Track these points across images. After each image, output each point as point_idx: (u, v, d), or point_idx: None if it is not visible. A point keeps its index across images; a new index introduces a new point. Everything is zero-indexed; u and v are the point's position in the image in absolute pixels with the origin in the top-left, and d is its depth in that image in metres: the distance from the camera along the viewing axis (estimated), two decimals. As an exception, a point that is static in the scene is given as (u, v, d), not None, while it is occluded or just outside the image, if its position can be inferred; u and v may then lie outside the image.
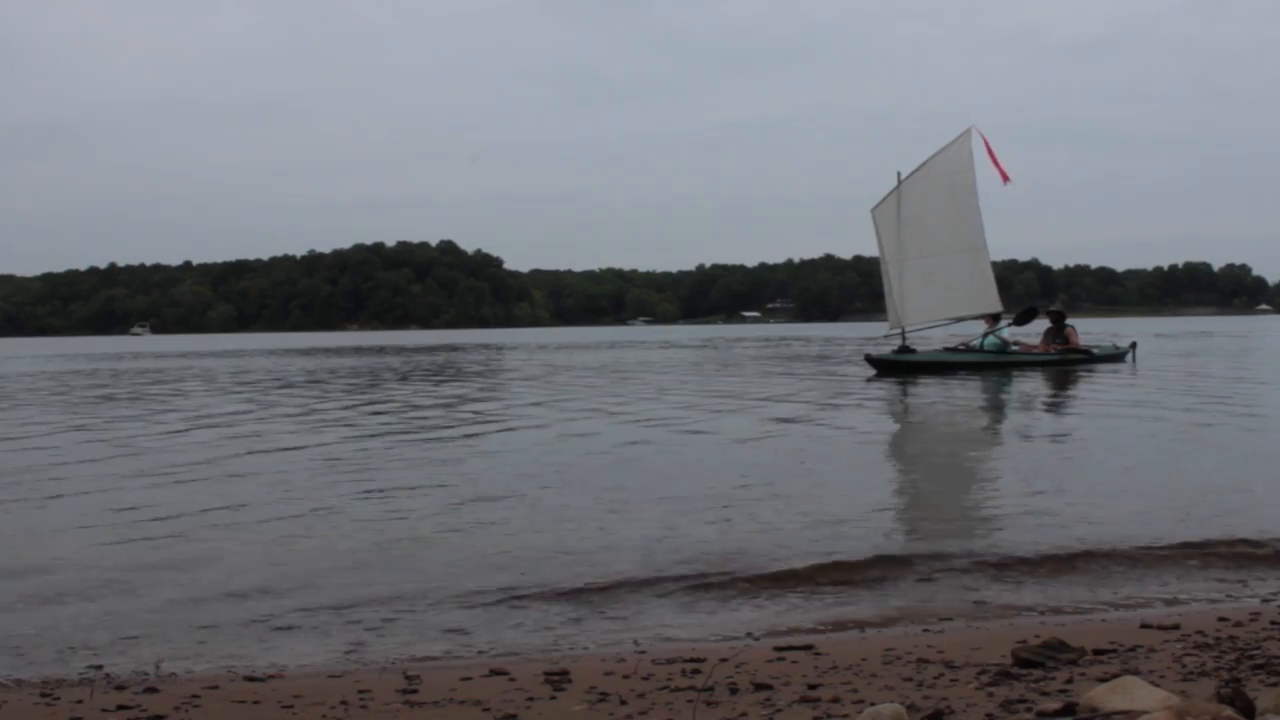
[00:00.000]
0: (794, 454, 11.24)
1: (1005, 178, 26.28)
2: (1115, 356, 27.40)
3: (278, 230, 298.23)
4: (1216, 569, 6.21)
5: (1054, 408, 16.91)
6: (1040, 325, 28.31)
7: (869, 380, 23.08)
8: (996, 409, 17.37)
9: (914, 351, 25.74)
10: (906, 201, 26.45)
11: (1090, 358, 26.53)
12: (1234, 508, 7.84)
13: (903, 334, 26.24)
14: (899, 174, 26.76)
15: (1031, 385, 21.00)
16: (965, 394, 19.63)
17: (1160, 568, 6.25)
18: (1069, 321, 27.40)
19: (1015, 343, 26.48)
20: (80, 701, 4.09)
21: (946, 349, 26.59)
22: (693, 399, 18.88)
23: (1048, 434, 13.08)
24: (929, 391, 20.08)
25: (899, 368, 24.83)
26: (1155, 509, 7.84)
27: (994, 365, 25.14)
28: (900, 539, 7.09)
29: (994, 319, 26.12)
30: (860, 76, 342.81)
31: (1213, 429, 12.68)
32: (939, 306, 26.41)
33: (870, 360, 25.54)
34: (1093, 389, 19.64)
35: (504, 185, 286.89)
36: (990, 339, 25.81)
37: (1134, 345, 28.46)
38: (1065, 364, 25.56)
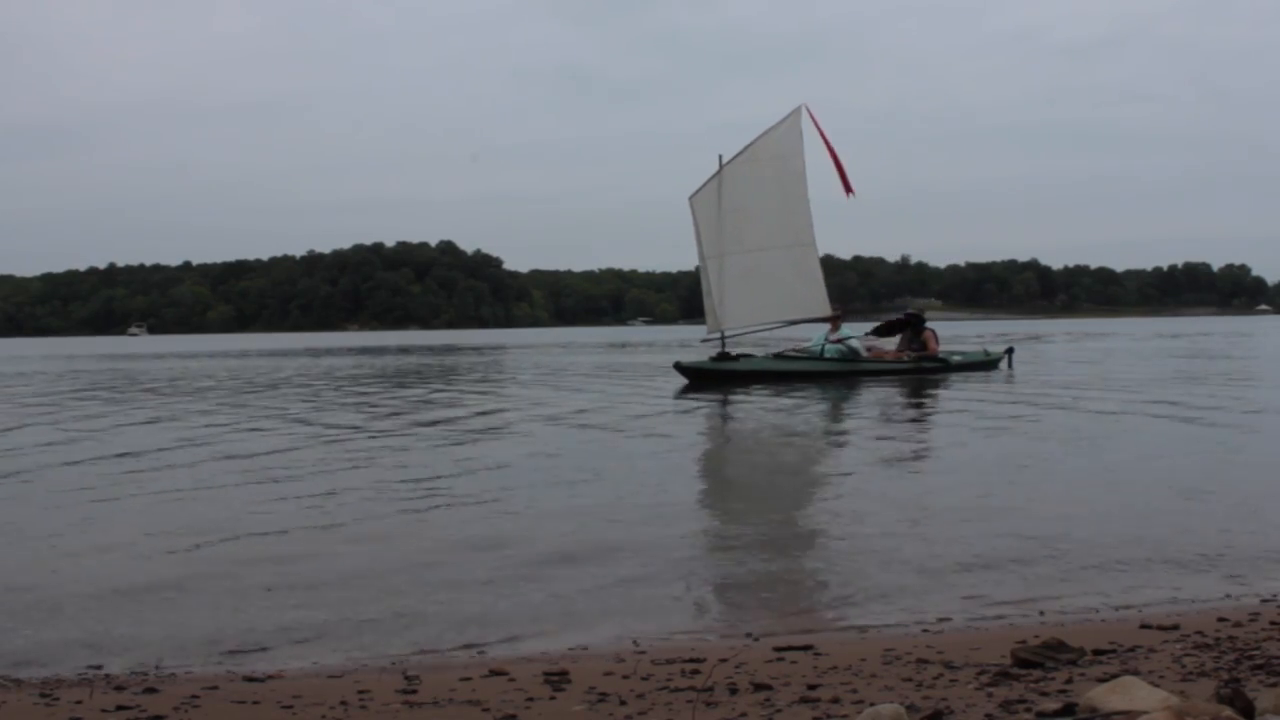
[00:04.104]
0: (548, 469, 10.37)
1: (848, 189, 23.15)
2: (985, 364, 25.10)
3: (277, 230, 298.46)
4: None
5: (877, 422, 14.95)
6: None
7: (681, 392, 20.18)
8: (821, 425, 15.18)
9: (735, 359, 22.75)
10: (728, 190, 23.32)
11: (946, 366, 24.13)
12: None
13: (722, 339, 23.25)
14: (720, 157, 23.58)
15: (875, 397, 18.71)
16: (790, 408, 17.08)
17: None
18: (929, 325, 24.91)
19: (869, 348, 24.26)
20: (80, 702, 4.09)
21: (777, 355, 23.89)
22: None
23: (878, 455, 11.33)
24: (747, 405, 17.68)
25: (717, 378, 21.91)
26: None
27: (833, 375, 22.38)
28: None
29: (837, 321, 23.58)
30: (860, 76, 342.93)
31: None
32: (762, 308, 23.32)
33: (681, 369, 22.53)
34: (943, 400, 18.00)
35: (504, 185, 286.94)
36: (831, 345, 23.18)
37: (1010, 351, 26.20)
38: (920, 373, 23.12)
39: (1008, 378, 22.58)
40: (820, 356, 23.10)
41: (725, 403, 18.09)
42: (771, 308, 23.32)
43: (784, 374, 22.35)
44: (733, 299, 23.22)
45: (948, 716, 3.57)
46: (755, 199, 23.23)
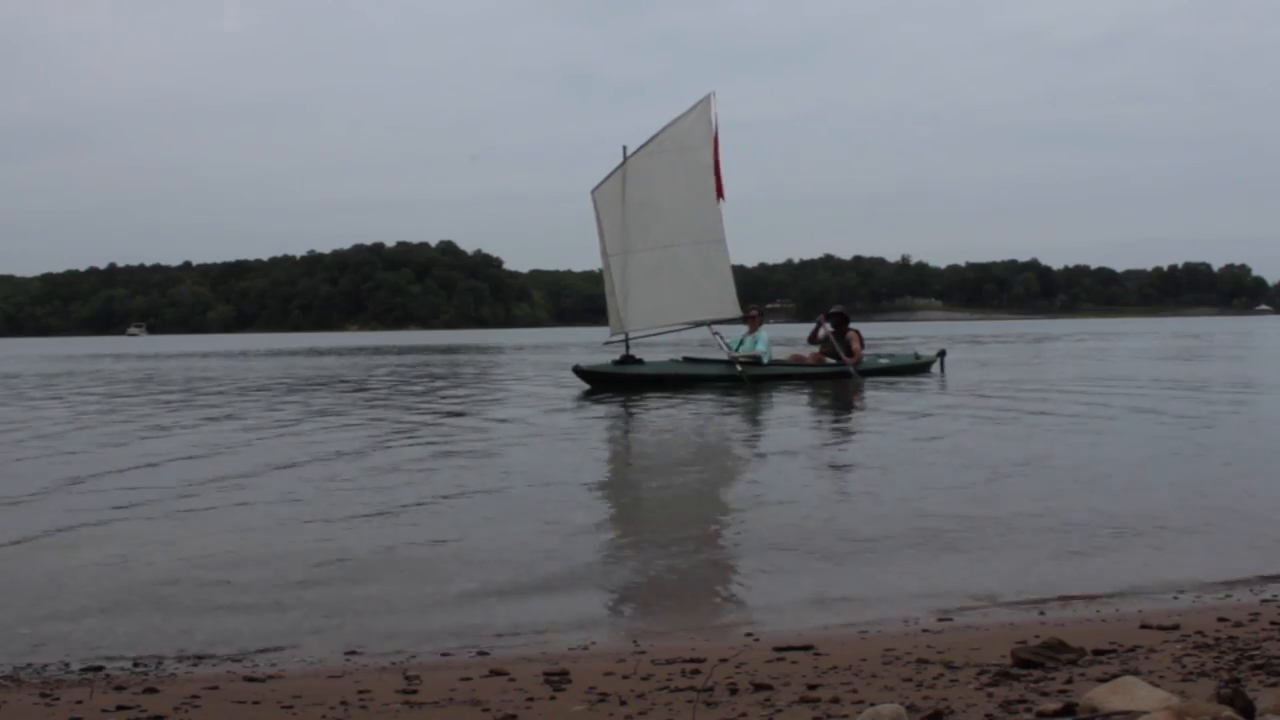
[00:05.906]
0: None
1: (720, 193, 21.83)
2: (914, 367, 23.84)
3: (278, 230, 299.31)
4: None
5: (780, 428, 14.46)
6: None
7: (581, 398, 19.22)
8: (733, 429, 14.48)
9: (640, 362, 21.46)
10: (633, 182, 21.83)
11: (871, 370, 22.69)
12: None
13: (626, 341, 22.05)
14: (625, 148, 22.02)
15: (801, 400, 18.03)
16: (719, 413, 16.11)
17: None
18: (853, 325, 23.25)
19: (805, 353, 22.97)
20: (80, 701, 4.09)
21: (686, 359, 22.48)
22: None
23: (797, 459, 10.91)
24: (651, 412, 16.61)
25: (619, 382, 20.68)
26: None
27: (745, 378, 21.12)
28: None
29: (755, 322, 22.37)
30: (860, 76, 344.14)
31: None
32: (669, 308, 22.03)
33: (580, 373, 21.30)
34: (876, 402, 17.18)
35: (504, 185, 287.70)
36: (745, 347, 22.01)
37: (942, 354, 24.73)
38: (842, 377, 21.85)
39: (940, 382, 21.63)
40: (734, 360, 21.82)
41: (626, 407, 17.29)
42: (679, 308, 22.11)
43: (692, 378, 21.22)
44: (638, 299, 21.96)
45: (948, 716, 3.57)
46: (662, 193, 21.83)
